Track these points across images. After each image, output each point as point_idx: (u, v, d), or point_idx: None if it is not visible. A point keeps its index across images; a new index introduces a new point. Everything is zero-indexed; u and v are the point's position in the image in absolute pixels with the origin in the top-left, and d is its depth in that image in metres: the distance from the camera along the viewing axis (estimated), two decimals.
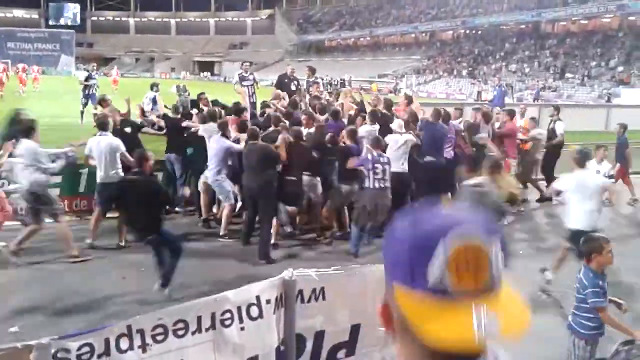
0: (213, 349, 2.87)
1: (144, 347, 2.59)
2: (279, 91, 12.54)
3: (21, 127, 7.12)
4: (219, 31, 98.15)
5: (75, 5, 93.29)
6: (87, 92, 18.83)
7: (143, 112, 13.51)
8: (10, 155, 7.47)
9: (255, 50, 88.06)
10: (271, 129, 8.71)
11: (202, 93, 12.20)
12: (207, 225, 8.91)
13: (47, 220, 7.25)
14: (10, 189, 7.73)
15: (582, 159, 6.81)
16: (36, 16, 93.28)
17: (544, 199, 10.81)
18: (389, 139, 8.75)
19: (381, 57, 70.12)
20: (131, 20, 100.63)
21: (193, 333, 2.78)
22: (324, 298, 3.27)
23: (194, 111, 11.03)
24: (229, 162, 8.52)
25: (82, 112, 18.91)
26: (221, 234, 8.41)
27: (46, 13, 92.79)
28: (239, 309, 2.95)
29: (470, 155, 9.39)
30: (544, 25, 58.15)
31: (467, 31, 66.48)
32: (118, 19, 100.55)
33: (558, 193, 7.09)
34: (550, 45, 52.85)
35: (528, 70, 49.01)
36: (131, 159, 7.03)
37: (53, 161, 7.28)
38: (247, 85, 12.98)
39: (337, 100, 11.96)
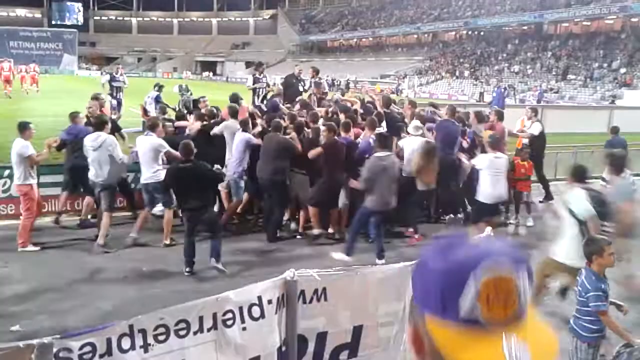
0: (215, 349, 2.87)
1: (145, 346, 2.60)
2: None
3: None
4: (222, 31, 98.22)
5: (78, 4, 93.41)
6: (115, 94, 17.44)
7: (145, 112, 13.55)
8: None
9: (257, 50, 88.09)
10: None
11: (203, 97, 12.18)
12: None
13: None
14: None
15: (619, 165, 6.46)
16: (39, 15, 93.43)
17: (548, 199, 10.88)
18: (404, 142, 8.86)
19: (383, 58, 70.12)
20: (134, 20, 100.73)
21: (195, 333, 2.78)
22: (325, 299, 3.28)
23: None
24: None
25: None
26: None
27: (49, 12, 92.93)
28: (240, 309, 2.96)
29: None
30: (546, 27, 58.10)
31: (470, 32, 66.43)
32: (120, 18, 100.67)
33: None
34: (552, 46, 52.79)
35: (530, 72, 48.96)
36: (177, 153, 7.32)
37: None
38: (260, 88, 13.05)
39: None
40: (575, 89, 42.30)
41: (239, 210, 9.03)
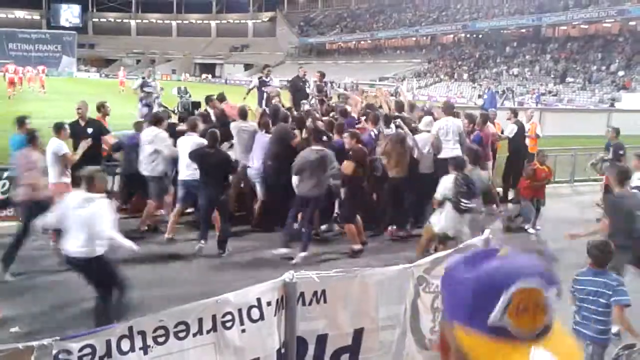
0: (214, 351, 2.87)
1: (145, 348, 2.60)
2: (277, 89, 12.70)
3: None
4: (220, 33, 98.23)
5: (76, 6, 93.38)
6: (145, 101, 15.92)
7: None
8: None
9: (256, 52, 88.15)
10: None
11: (212, 95, 12.15)
12: None
13: None
14: None
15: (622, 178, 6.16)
16: (38, 17, 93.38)
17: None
18: (418, 138, 8.97)
19: (382, 60, 70.17)
20: (132, 22, 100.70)
21: (194, 335, 2.78)
22: (325, 301, 3.28)
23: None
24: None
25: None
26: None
27: (48, 14, 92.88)
28: (239, 311, 2.96)
29: None
30: (544, 30, 58.21)
31: (468, 35, 66.54)
32: (119, 20, 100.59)
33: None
34: (551, 49, 52.88)
35: (529, 75, 49.03)
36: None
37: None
38: (266, 91, 12.83)
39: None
40: (573, 91, 42.37)
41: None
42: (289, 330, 3.16)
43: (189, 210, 9.52)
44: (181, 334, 2.73)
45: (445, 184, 7.13)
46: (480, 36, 64.82)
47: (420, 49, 70.28)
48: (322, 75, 13.86)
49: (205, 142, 8.09)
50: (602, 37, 50.28)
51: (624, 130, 12.80)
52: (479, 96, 42.93)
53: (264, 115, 9.78)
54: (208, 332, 2.83)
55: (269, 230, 8.66)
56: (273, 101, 11.41)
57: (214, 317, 2.85)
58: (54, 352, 2.30)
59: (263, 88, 12.97)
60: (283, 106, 11.20)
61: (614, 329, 4.71)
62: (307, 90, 13.18)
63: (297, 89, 13.18)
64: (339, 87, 45.00)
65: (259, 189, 9.01)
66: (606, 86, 40.95)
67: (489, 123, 10.72)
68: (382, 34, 75.60)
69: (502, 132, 11.54)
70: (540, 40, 56.35)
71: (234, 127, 9.21)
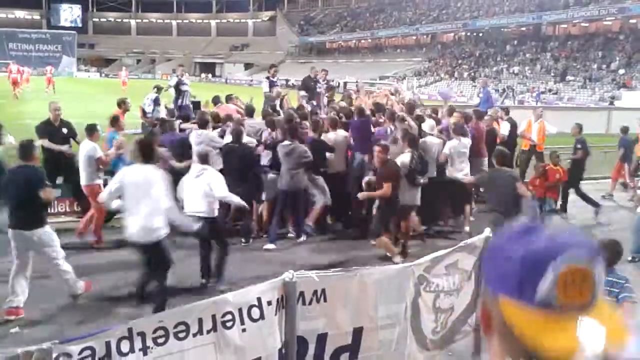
0: (215, 351, 2.87)
1: (145, 349, 2.60)
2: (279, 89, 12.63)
3: None
4: (221, 32, 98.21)
5: (76, 6, 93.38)
6: (180, 101, 14.70)
7: (144, 113, 13.53)
8: None
9: (256, 51, 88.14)
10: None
11: (231, 94, 12.05)
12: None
13: None
14: None
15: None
16: (38, 17, 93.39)
17: None
18: (423, 142, 8.96)
19: (382, 59, 70.12)
20: (132, 22, 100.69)
21: (194, 335, 2.78)
22: (325, 300, 3.28)
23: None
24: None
25: None
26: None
27: (48, 14, 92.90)
28: (240, 310, 2.95)
29: None
30: (545, 28, 58.14)
31: (469, 33, 66.47)
32: (119, 20, 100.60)
33: None
34: (551, 47, 52.82)
35: (529, 73, 48.99)
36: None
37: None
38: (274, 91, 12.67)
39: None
40: (574, 90, 42.32)
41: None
42: (289, 329, 3.16)
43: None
44: (181, 335, 2.73)
45: (402, 160, 7.81)
46: (481, 34, 64.76)
47: (420, 48, 70.22)
48: (326, 73, 13.85)
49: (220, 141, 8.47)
50: (602, 35, 50.23)
51: None
52: (478, 95, 42.92)
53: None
54: (208, 332, 2.83)
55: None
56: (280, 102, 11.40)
57: (213, 317, 2.85)
58: (54, 355, 2.30)
59: (271, 88, 12.81)
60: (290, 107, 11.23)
61: None
62: (318, 90, 13.11)
63: (308, 89, 13.13)
64: (338, 86, 44.98)
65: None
66: (607, 84, 40.90)
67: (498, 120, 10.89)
68: (382, 32, 75.53)
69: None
70: (540, 39, 56.29)
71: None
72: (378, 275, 3.57)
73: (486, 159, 10.34)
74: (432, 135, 9.27)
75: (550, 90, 42.90)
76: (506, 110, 12.23)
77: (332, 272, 3.40)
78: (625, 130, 12.65)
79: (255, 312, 3.01)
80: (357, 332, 3.45)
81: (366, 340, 3.49)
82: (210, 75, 78.93)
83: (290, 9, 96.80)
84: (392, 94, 14.29)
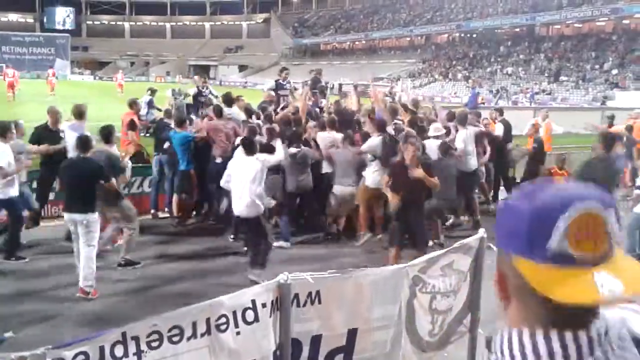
0: (209, 354, 2.86)
1: (139, 353, 2.58)
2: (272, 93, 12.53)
3: None
4: (215, 35, 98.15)
5: (70, 9, 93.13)
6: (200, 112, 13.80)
7: (139, 116, 13.50)
8: None
9: (250, 53, 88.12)
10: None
11: (240, 96, 11.98)
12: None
13: None
14: None
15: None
16: (31, 20, 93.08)
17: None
18: (427, 146, 8.77)
19: (376, 61, 70.21)
20: (126, 24, 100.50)
21: (188, 339, 2.77)
22: (319, 302, 3.27)
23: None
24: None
25: None
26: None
27: (41, 17, 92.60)
28: (234, 313, 2.94)
29: None
30: (538, 29, 58.39)
31: (462, 34, 66.68)
32: (113, 23, 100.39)
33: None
34: (545, 48, 53.03)
35: (523, 74, 49.16)
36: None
37: None
38: (283, 95, 12.35)
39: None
40: (567, 90, 42.50)
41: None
42: (283, 331, 3.15)
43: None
44: (175, 338, 2.72)
45: (372, 143, 8.21)
46: (475, 36, 64.97)
47: (414, 49, 70.37)
48: (319, 72, 13.86)
49: None
50: (595, 36, 50.46)
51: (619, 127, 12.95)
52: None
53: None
54: (202, 335, 2.82)
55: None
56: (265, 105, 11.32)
57: (207, 321, 2.84)
58: None
59: (280, 91, 12.42)
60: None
61: None
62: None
63: (316, 88, 13.14)
64: (332, 87, 45.03)
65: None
66: (600, 84, 41.08)
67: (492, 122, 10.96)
68: (376, 34, 75.67)
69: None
70: (534, 40, 56.50)
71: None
72: (373, 277, 3.57)
73: (485, 157, 10.40)
74: (436, 137, 9.19)
75: (544, 91, 43.05)
76: (500, 111, 12.25)
77: (327, 273, 3.40)
78: (629, 129, 12.76)
79: (250, 315, 3.00)
80: (352, 334, 3.45)
81: (360, 341, 3.49)
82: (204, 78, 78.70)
83: (284, 11, 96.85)
84: (386, 96, 14.30)
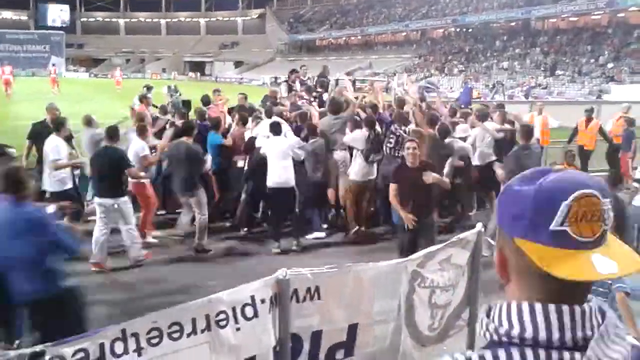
0: (209, 350, 2.86)
1: (139, 350, 2.58)
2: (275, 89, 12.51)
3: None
4: (210, 31, 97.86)
5: (64, 6, 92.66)
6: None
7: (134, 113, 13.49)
8: None
9: (246, 49, 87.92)
10: None
11: (242, 93, 11.94)
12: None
13: None
14: None
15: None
16: (25, 17, 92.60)
17: None
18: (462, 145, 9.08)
19: (372, 56, 70.02)
20: (121, 21, 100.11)
21: (188, 335, 2.77)
22: (319, 297, 3.27)
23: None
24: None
25: None
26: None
27: (35, 14, 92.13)
28: (233, 309, 2.95)
29: None
30: (534, 23, 58.33)
31: (458, 29, 66.60)
32: (108, 19, 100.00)
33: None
34: (540, 42, 53.03)
35: (519, 68, 49.17)
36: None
37: None
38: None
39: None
40: (563, 84, 42.52)
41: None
42: (282, 327, 3.15)
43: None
44: (175, 335, 2.72)
45: (355, 136, 8.48)
46: (470, 30, 64.89)
47: (410, 44, 70.30)
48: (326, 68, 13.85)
49: None
50: (591, 29, 50.47)
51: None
52: (470, 89, 43.01)
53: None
54: (202, 331, 2.82)
55: None
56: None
57: (207, 317, 2.84)
58: (47, 357, 2.28)
59: (289, 93, 12.24)
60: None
61: None
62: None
63: (322, 84, 13.12)
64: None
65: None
66: (595, 78, 41.12)
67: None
68: (372, 29, 75.57)
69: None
70: (529, 34, 56.49)
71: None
72: (372, 271, 3.57)
73: None
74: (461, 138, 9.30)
75: (539, 85, 43.07)
76: (500, 106, 12.23)
77: (326, 268, 3.40)
78: (630, 122, 12.83)
79: (249, 311, 3.00)
80: (352, 329, 3.45)
81: (361, 336, 3.50)
82: (198, 74, 78.58)
83: (279, 6, 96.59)
84: (384, 91, 14.28)
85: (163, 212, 9.45)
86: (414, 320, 3.84)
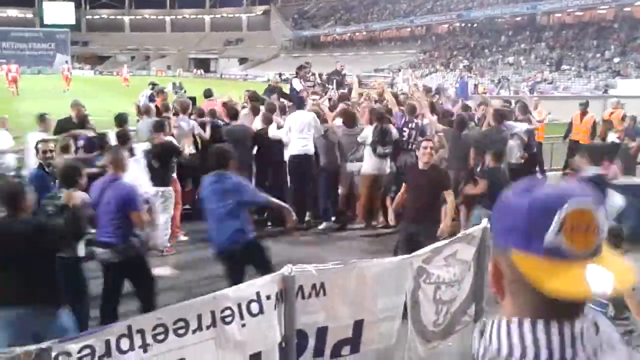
0: (215, 347, 2.87)
1: (144, 347, 2.59)
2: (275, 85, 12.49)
3: None
4: (214, 28, 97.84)
5: (69, 4, 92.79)
6: None
7: (140, 110, 13.50)
8: None
9: (250, 46, 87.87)
10: None
11: (250, 90, 11.91)
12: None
13: None
14: None
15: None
16: (30, 15, 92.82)
17: None
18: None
19: (377, 52, 69.97)
20: (126, 18, 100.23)
21: (194, 331, 2.77)
22: (324, 293, 3.27)
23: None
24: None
25: None
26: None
27: (40, 12, 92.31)
28: (239, 305, 2.95)
29: None
30: (539, 18, 58.04)
31: (463, 24, 66.32)
32: (113, 17, 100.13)
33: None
34: (546, 37, 52.76)
35: (524, 63, 48.94)
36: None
37: None
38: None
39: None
40: (569, 79, 42.30)
41: None
42: (288, 323, 3.15)
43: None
44: (180, 331, 2.73)
45: (364, 133, 8.57)
46: (475, 25, 64.61)
47: (415, 40, 70.04)
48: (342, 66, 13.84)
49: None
50: (596, 24, 50.17)
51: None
52: (475, 85, 42.89)
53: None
54: (208, 328, 2.83)
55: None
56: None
57: (213, 313, 2.85)
58: (53, 354, 2.29)
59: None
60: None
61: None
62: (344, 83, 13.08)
63: (337, 83, 13.14)
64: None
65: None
66: (602, 73, 40.89)
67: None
68: (376, 25, 75.32)
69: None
70: (535, 29, 56.20)
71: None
72: (377, 268, 3.57)
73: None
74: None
75: (545, 80, 42.88)
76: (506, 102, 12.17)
77: (331, 265, 3.40)
78: (634, 119, 12.71)
79: (255, 307, 3.01)
80: (358, 325, 3.45)
81: (367, 332, 3.50)
82: (202, 71, 78.59)
83: (284, 2, 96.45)
84: (388, 86, 14.24)
85: None
86: (419, 316, 3.84)
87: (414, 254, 3.87)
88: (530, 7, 55.29)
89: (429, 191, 5.95)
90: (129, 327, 2.55)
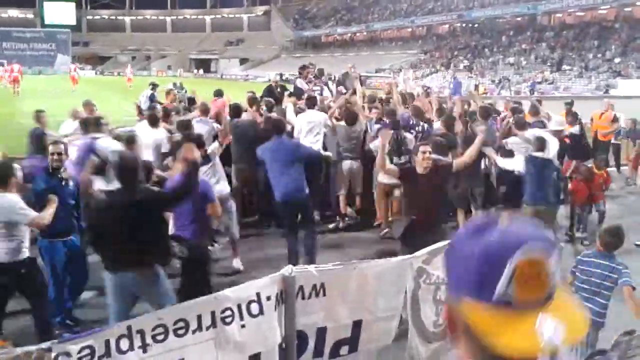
0: (214, 347, 2.87)
1: (144, 347, 2.59)
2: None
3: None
4: (215, 28, 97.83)
5: (70, 4, 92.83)
6: None
7: (140, 111, 13.53)
8: None
9: (251, 46, 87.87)
10: None
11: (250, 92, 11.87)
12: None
13: None
14: None
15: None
16: (31, 16, 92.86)
17: None
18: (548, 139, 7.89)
19: (378, 52, 69.95)
20: (127, 19, 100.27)
21: (194, 332, 2.77)
22: (324, 294, 3.27)
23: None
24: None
25: None
26: None
27: (41, 12, 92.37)
28: (239, 306, 2.95)
29: None
30: (540, 18, 58.01)
31: (464, 25, 66.32)
32: (114, 17, 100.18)
33: None
34: (547, 37, 52.74)
35: (525, 63, 48.92)
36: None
37: None
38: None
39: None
40: (570, 79, 42.28)
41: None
42: (288, 324, 3.15)
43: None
44: (180, 332, 2.73)
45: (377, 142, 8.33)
46: (476, 25, 64.62)
47: (416, 40, 70.04)
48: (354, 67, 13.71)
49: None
50: (597, 24, 50.13)
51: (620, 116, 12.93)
52: (476, 86, 42.87)
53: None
54: (207, 328, 2.83)
55: None
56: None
57: (213, 314, 2.85)
58: (53, 354, 2.29)
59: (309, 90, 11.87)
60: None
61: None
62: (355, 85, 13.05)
63: (344, 83, 13.15)
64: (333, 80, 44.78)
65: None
66: (602, 73, 40.87)
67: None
68: (377, 25, 75.30)
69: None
70: (536, 29, 56.17)
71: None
72: (377, 268, 3.57)
73: None
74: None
75: (546, 80, 42.85)
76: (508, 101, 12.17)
77: (331, 265, 3.40)
78: (635, 122, 12.77)
79: (255, 308, 3.01)
80: (357, 325, 3.45)
81: (366, 332, 3.50)
82: (202, 71, 78.57)
83: (284, 3, 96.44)
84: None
85: None
86: (420, 316, 3.84)
87: (413, 254, 3.87)
88: (531, 7, 55.26)
89: (433, 194, 5.64)
90: (129, 328, 2.55)
